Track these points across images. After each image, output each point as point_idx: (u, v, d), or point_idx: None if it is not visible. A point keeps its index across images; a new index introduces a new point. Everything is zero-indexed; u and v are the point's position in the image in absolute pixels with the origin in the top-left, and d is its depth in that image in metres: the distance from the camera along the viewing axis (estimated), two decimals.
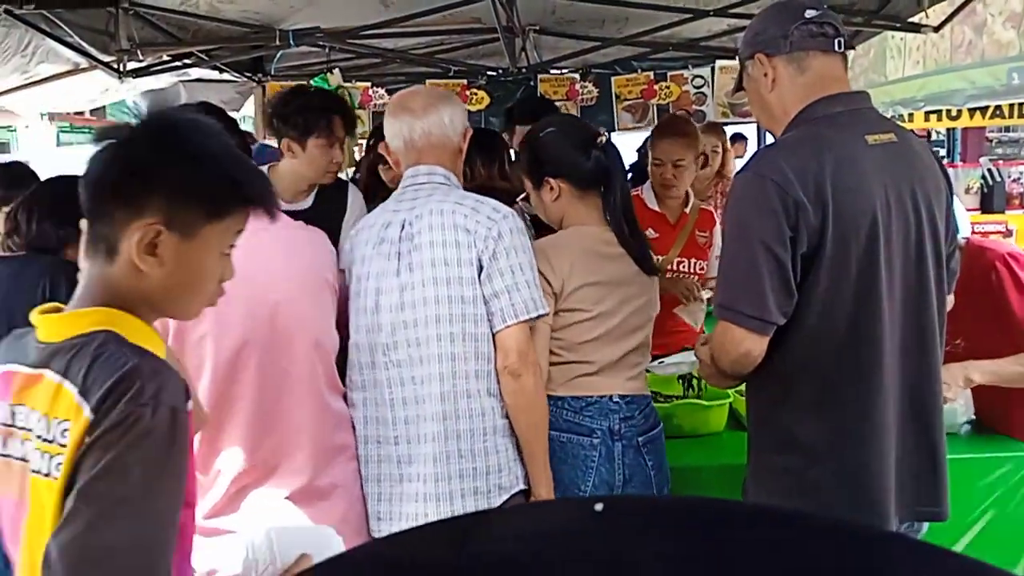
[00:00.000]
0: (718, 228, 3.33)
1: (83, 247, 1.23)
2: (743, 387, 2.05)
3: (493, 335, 2.00)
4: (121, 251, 1.18)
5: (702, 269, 3.24)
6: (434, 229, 1.99)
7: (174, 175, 1.18)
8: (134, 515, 1.03)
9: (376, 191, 3.18)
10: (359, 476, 2.00)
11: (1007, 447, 2.61)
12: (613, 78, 5.48)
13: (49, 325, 1.17)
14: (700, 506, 0.45)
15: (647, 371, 2.42)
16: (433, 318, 1.96)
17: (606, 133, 2.28)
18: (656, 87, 5.44)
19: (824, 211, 1.68)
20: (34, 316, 1.19)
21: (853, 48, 1.88)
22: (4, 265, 2.27)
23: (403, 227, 2.03)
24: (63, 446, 1.05)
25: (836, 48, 1.82)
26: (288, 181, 2.74)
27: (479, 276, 1.98)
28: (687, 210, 3.24)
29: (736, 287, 1.76)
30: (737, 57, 2.00)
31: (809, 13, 1.80)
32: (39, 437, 1.09)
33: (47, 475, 1.07)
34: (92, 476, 1.02)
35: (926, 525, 1.98)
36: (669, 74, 5.45)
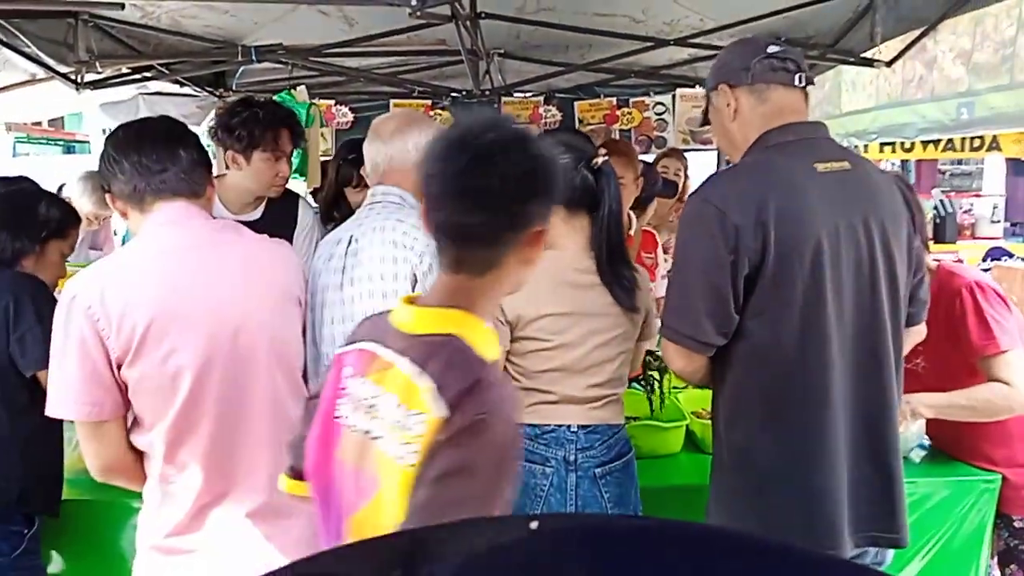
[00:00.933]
0: (660, 249, 3.39)
1: (445, 264, 1.28)
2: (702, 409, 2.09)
3: None
4: (504, 264, 1.27)
5: (650, 290, 3.26)
6: (374, 245, 2.07)
7: (552, 182, 1.26)
8: (478, 513, 1.09)
9: (338, 210, 3.18)
10: None
11: (956, 471, 2.66)
12: (576, 103, 5.55)
13: (411, 316, 1.26)
14: (625, 526, 0.46)
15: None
16: None
17: (604, 155, 2.21)
18: (619, 112, 5.52)
19: (765, 234, 1.72)
20: (400, 303, 1.29)
21: (813, 84, 1.93)
22: None
23: (349, 243, 2.12)
24: (418, 436, 1.14)
25: (797, 83, 1.90)
26: (233, 193, 2.73)
27: (414, 290, 2.03)
28: (631, 232, 3.26)
29: (674, 307, 1.84)
30: (704, 89, 2.09)
31: (771, 48, 1.89)
32: (396, 422, 1.17)
33: (400, 459, 1.15)
34: (445, 472, 1.10)
35: (891, 553, 1.99)
36: (631, 100, 5.53)
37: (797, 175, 1.80)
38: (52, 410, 1.71)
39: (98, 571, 1.89)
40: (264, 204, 2.92)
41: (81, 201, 3.93)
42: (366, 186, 3.01)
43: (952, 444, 2.72)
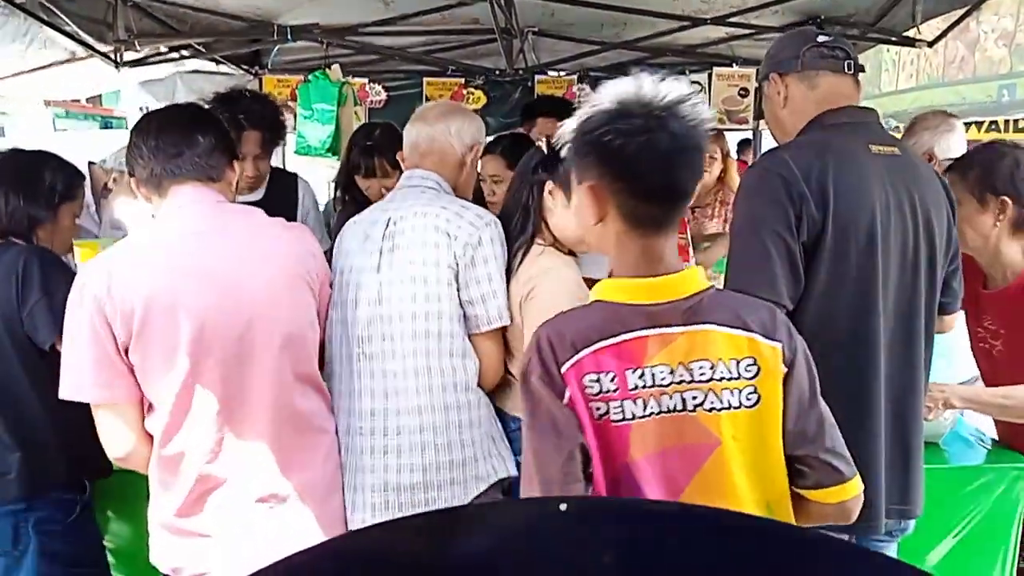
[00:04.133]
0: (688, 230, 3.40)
1: (645, 225, 1.33)
2: None
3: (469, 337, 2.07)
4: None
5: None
6: (416, 230, 2.05)
7: None
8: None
9: (351, 194, 3.18)
10: (336, 474, 2.00)
11: (999, 457, 2.63)
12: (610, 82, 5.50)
13: (659, 287, 1.32)
14: (652, 508, 0.47)
15: None
16: (409, 315, 2.02)
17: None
18: None
19: (825, 205, 1.77)
20: (616, 286, 1.35)
21: (864, 70, 1.95)
22: None
23: (387, 225, 2.09)
24: (751, 380, 1.30)
25: (846, 70, 1.94)
26: None
27: (456, 279, 2.03)
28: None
29: (749, 273, 1.80)
30: (740, 69, 2.12)
31: (821, 38, 1.95)
32: (722, 378, 1.29)
33: (739, 407, 1.29)
34: (812, 388, 1.37)
35: (911, 524, 2.02)
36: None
37: (854, 153, 1.86)
38: (64, 392, 1.76)
39: (146, 539, 1.95)
40: (265, 185, 2.97)
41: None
42: (372, 175, 3.06)
43: (1005, 432, 2.68)
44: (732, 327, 1.30)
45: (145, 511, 1.92)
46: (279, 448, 1.84)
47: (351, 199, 3.19)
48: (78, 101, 11.87)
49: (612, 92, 1.31)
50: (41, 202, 2.23)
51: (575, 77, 5.48)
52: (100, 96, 9.97)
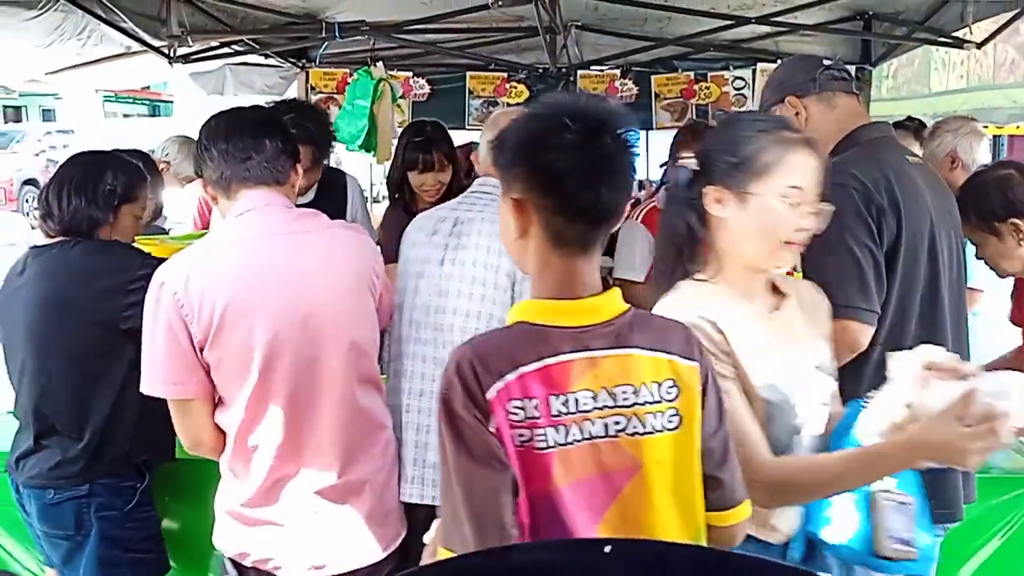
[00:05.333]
0: None
1: (572, 244, 1.29)
2: None
3: None
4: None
5: None
6: (481, 235, 2.14)
7: None
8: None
9: (404, 191, 3.21)
10: (394, 467, 2.07)
11: None
12: (653, 77, 5.47)
13: (580, 310, 1.28)
14: (690, 555, 0.50)
15: None
16: (463, 311, 2.12)
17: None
18: (696, 87, 5.42)
19: (897, 214, 1.86)
20: (524, 309, 1.31)
21: (861, 91, 2.08)
22: (55, 251, 2.29)
23: (455, 224, 2.20)
24: (672, 402, 1.27)
25: (855, 89, 2.09)
26: None
27: (512, 288, 2.11)
28: None
29: (845, 284, 1.85)
30: (762, 108, 2.19)
31: (827, 62, 2.05)
32: (645, 403, 1.26)
33: (662, 429, 1.27)
34: (721, 407, 1.34)
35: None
36: (710, 74, 5.42)
37: (902, 164, 1.95)
38: (144, 387, 1.86)
39: (207, 526, 2.04)
40: (315, 187, 3.02)
41: (183, 166, 4.04)
42: (429, 169, 3.10)
43: None
44: (654, 350, 1.27)
45: (202, 498, 2.00)
46: (344, 444, 1.91)
47: (400, 198, 3.23)
48: None
49: (549, 105, 1.30)
50: (101, 203, 2.30)
51: (618, 72, 5.47)
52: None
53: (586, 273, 1.29)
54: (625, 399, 1.24)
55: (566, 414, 1.22)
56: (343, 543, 1.92)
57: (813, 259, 1.91)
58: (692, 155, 1.69)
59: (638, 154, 1.30)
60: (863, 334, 1.87)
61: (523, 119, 1.31)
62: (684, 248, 1.63)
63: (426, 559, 1.48)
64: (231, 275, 1.80)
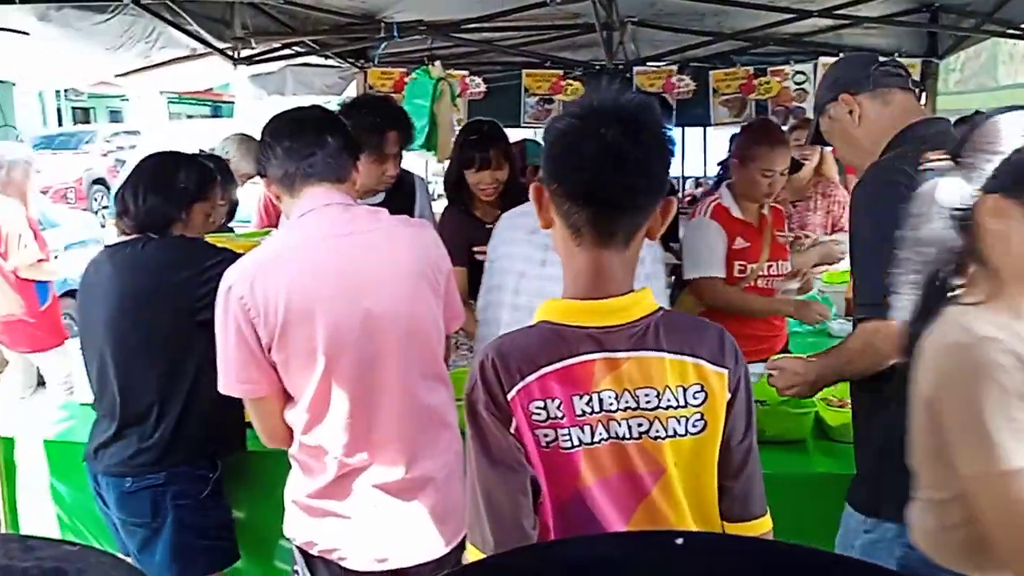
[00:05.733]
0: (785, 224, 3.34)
1: (595, 236, 1.26)
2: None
3: None
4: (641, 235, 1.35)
5: (786, 269, 3.21)
6: None
7: None
8: None
9: (461, 190, 3.22)
10: (457, 463, 2.08)
11: None
12: (711, 72, 5.41)
13: (605, 310, 1.27)
14: (772, 551, 0.50)
15: None
16: None
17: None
18: (755, 82, 5.34)
19: None
20: (556, 305, 1.30)
21: (922, 87, 2.03)
22: (128, 248, 2.37)
23: None
24: (698, 407, 1.26)
25: (911, 85, 2.02)
26: None
27: None
28: (764, 212, 3.20)
29: (887, 283, 1.73)
30: (813, 110, 2.17)
31: (882, 58, 2.04)
32: (668, 406, 1.25)
33: (685, 433, 1.26)
34: (749, 413, 1.32)
35: None
36: (769, 69, 5.34)
37: None
38: (220, 387, 1.92)
39: (274, 517, 2.10)
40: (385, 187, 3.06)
41: (241, 164, 4.13)
42: (486, 168, 3.09)
43: None
44: (680, 354, 1.25)
45: (270, 489, 2.04)
46: (408, 441, 1.93)
47: (457, 197, 3.25)
48: None
49: (577, 101, 1.30)
50: (174, 201, 2.38)
51: (675, 67, 5.42)
52: None
53: (611, 268, 1.27)
54: (648, 402, 1.24)
55: (590, 414, 1.23)
56: (406, 537, 1.94)
57: (860, 258, 1.90)
58: (943, 156, 1.47)
59: (663, 145, 1.25)
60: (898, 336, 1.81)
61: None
62: (946, 265, 1.41)
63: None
64: (291, 278, 1.84)
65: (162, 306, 2.29)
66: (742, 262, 3.05)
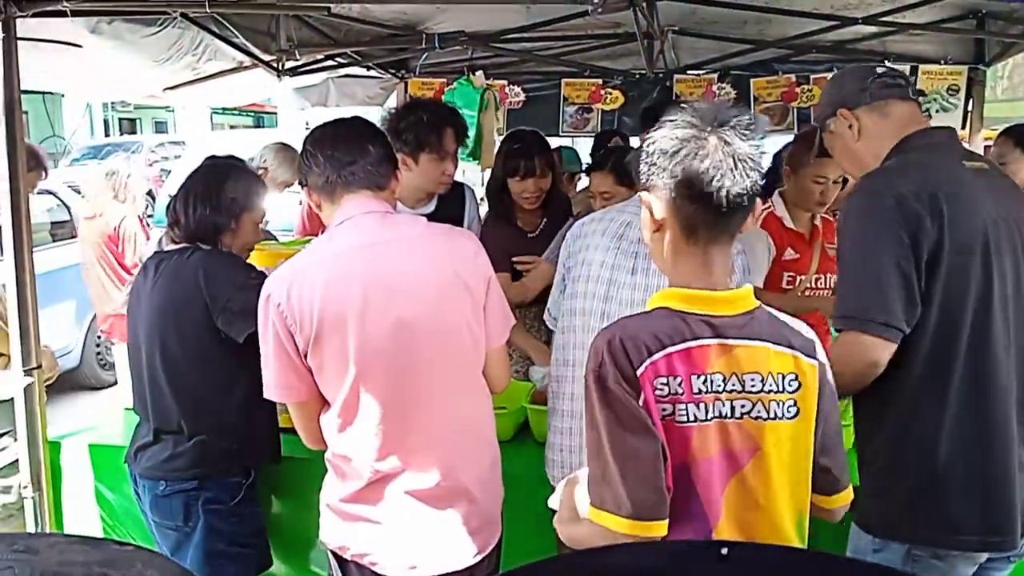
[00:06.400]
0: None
1: (709, 235, 1.43)
2: None
3: None
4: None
5: (834, 283, 3.15)
6: None
7: None
8: None
9: (503, 199, 3.23)
10: (493, 473, 2.08)
11: None
12: (752, 79, 5.37)
13: (717, 301, 1.42)
14: (821, 560, 0.50)
15: None
16: None
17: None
18: (797, 90, 5.28)
19: (940, 220, 1.77)
20: (675, 294, 1.44)
21: (925, 94, 1.99)
22: (174, 258, 2.43)
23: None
24: (792, 393, 1.41)
25: (911, 95, 2.00)
26: (407, 192, 2.89)
27: None
28: (816, 223, 3.15)
29: (863, 296, 1.80)
30: (815, 123, 2.16)
31: (880, 70, 2.02)
32: (770, 391, 1.40)
33: (781, 417, 1.40)
34: (834, 403, 1.50)
35: None
36: (812, 76, 5.27)
37: (953, 169, 1.88)
38: (265, 392, 1.97)
39: (309, 521, 2.12)
40: (436, 197, 3.07)
41: (279, 171, 4.21)
42: (530, 176, 3.09)
43: None
44: (780, 344, 1.41)
45: (306, 495, 2.07)
46: (442, 449, 1.94)
47: (500, 207, 3.26)
48: None
49: (690, 109, 1.43)
50: (224, 211, 2.43)
51: (715, 75, 5.38)
52: None
53: (718, 263, 1.44)
54: (752, 386, 1.38)
55: (705, 393, 1.36)
56: (438, 545, 1.95)
57: (842, 270, 1.89)
58: None
59: (758, 152, 1.40)
60: (880, 350, 1.76)
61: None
62: None
63: (554, 502, 1.61)
64: (325, 286, 1.86)
65: (194, 317, 2.34)
66: (791, 273, 3.01)
